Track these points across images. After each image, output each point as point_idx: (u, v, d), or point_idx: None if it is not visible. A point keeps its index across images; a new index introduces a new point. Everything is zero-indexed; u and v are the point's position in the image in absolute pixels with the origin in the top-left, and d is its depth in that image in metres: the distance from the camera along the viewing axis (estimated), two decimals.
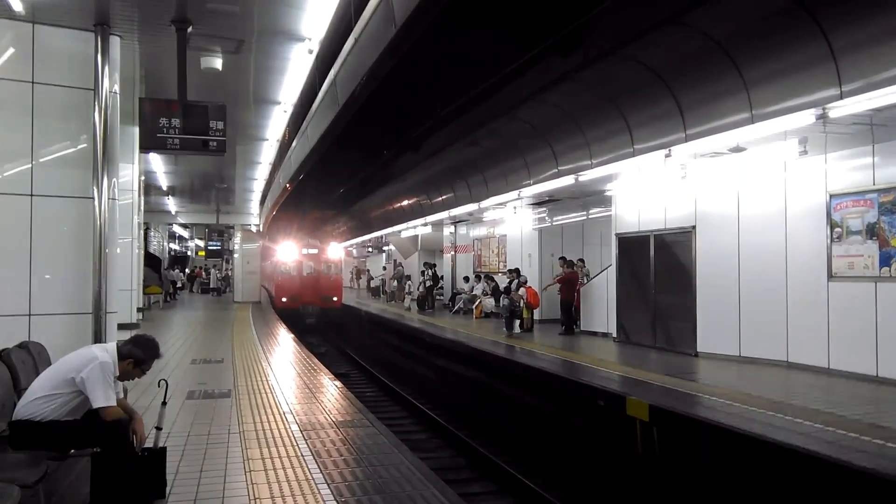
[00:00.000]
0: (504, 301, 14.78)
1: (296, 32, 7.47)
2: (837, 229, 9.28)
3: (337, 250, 28.37)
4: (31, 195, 6.36)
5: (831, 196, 9.36)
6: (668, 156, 9.93)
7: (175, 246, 51.77)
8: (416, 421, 11.84)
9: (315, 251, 26.66)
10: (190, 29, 6.86)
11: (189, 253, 56.21)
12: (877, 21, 6.72)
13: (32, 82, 6.39)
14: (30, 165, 6.38)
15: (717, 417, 6.88)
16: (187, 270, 46.05)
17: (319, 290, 25.74)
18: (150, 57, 7.93)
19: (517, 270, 16.59)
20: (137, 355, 4.50)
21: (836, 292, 9.30)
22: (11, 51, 6.40)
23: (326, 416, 7.24)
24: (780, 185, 10.10)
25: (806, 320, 9.70)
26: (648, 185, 12.65)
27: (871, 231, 8.83)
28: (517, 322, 15.00)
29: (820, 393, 8.19)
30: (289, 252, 26.19)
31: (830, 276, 9.34)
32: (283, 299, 25.21)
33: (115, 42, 6.79)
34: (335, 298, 26.25)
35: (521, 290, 15.67)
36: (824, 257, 9.41)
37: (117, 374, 4.38)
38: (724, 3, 7.58)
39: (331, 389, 8.97)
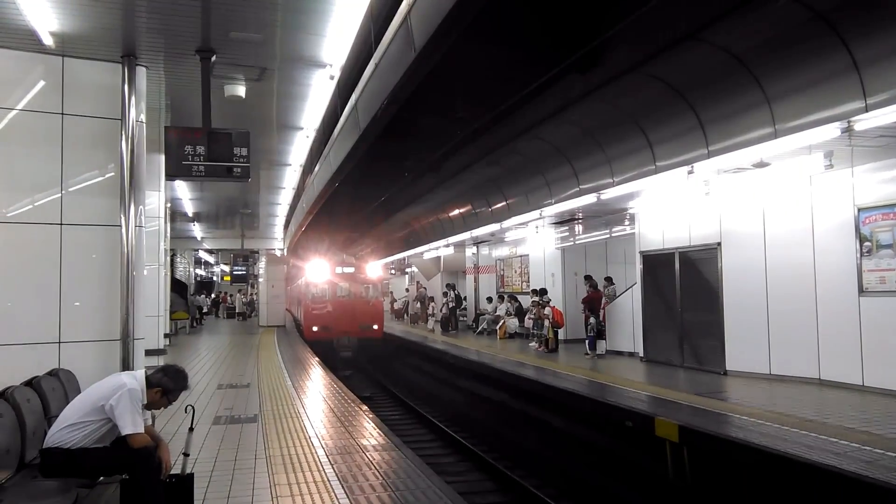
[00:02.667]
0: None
1: (317, 59, 7.56)
2: (867, 243, 9.12)
3: (375, 269, 24.01)
4: (61, 224, 6.46)
5: (860, 210, 9.22)
6: (690, 172, 9.85)
7: (201, 272, 52.47)
8: (444, 444, 11.75)
9: (351, 270, 22.77)
10: (214, 58, 6.97)
11: (215, 278, 56.82)
12: None
13: (62, 114, 6.53)
14: (59, 195, 6.49)
15: (749, 437, 6.74)
16: (213, 295, 46.47)
17: (357, 316, 21.79)
18: (175, 86, 8.07)
19: (543, 291, 16.50)
20: (166, 385, 4.53)
21: (867, 307, 9.12)
22: (42, 83, 6.54)
23: (352, 441, 7.22)
24: (807, 199, 9.97)
25: (837, 336, 9.51)
26: (672, 203, 12.55)
27: None
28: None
29: (854, 411, 8.00)
30: (319, 272, 22.30)
31: (861, 290, 9.17)
32: (314, 328, 21.61)
33: (141, 73, 6.92)
34: (375, 327, 22.15)
35: (547, 310, 15.59)
36: (854, 272, 9.25)
37: (145, 401, 4.42)
38: (744, 19, 7.54)
39: (356, 413, 8.95)
